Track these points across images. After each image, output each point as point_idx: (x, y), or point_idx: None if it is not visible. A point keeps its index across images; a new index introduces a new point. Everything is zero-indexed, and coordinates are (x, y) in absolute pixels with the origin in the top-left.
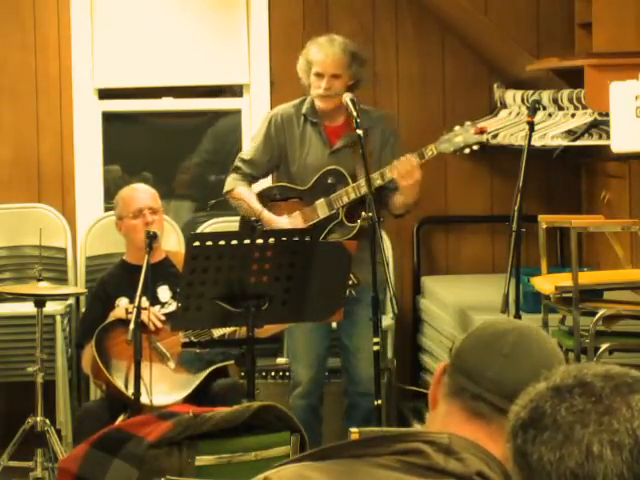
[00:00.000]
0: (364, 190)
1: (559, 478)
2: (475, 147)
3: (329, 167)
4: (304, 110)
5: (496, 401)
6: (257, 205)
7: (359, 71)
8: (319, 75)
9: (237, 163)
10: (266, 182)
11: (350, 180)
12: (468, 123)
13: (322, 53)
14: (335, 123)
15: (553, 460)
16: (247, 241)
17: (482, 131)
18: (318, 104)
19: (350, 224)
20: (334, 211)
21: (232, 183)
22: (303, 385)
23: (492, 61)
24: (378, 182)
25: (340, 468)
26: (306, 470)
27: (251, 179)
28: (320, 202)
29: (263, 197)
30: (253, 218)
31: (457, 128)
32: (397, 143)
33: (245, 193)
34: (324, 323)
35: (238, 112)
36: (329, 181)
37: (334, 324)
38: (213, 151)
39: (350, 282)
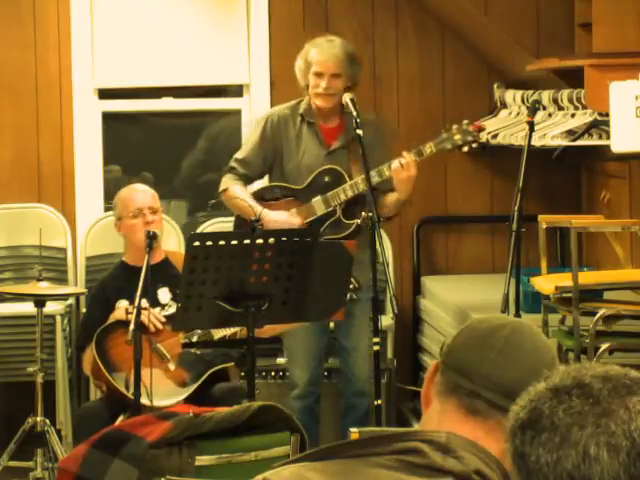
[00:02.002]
0: (362, 187)
1: None
2: (474, 145)
3: (326, 166)
4: (301, 110)
5: (492, 397)
6: (253, 202)
7: (356, 73)
8: (319, 74)
9: (232, 163)
10: (261, 183)
11: (347, 178)
12: (466, 121)
13: (322, 53)
14: (331, 124)
15: (550, 462)
16: (247, 241)
17: (480, 129)
18: (318, 103)
19: (347, 221)
20: (331, 209)
21: (227, 182)
22: (300, 387)
23: (492, 61)
24: (376, 179)
25: (339, 468)
26: (305, 470)
27: (246, 179)
28: (317, 200)
29: (257, 197)
30: (253, 218)
31: (455, 126)
32: (388, 144)
33: (240, 192)
34: (322, 323)
35: (238, 112)
36: (326, 180)
37: (332, 324)
38: (211, 151)
39: (351, 286)
